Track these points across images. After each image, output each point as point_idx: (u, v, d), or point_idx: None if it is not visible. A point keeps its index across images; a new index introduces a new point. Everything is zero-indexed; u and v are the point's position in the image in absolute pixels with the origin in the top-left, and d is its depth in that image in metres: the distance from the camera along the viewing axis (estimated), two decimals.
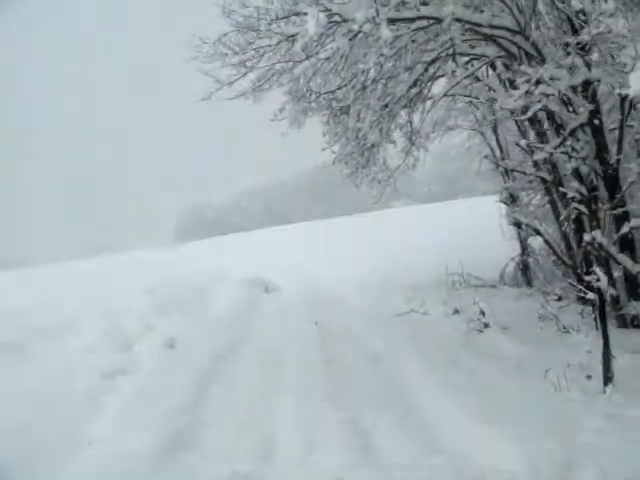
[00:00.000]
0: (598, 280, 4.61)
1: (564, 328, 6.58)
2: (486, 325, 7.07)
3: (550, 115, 6.44)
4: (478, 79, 9.57)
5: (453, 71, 7.21)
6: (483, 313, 7.24)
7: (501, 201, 11.36)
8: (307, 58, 5.84)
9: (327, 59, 5.61)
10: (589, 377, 4.78)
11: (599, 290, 4.73)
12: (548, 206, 10.79)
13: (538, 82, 5.08)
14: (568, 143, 5.91)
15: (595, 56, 4.54)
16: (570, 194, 6.62)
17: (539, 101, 4.91)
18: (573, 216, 7.61)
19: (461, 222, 24.08)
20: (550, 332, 6.62)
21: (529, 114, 5.18)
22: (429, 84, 8.12)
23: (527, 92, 4.86)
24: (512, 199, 11.18)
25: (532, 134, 6.67)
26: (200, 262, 24.57)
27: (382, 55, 5.39)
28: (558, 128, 6.45)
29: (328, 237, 29.15)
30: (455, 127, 11.85)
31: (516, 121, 9.79)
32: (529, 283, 11.30)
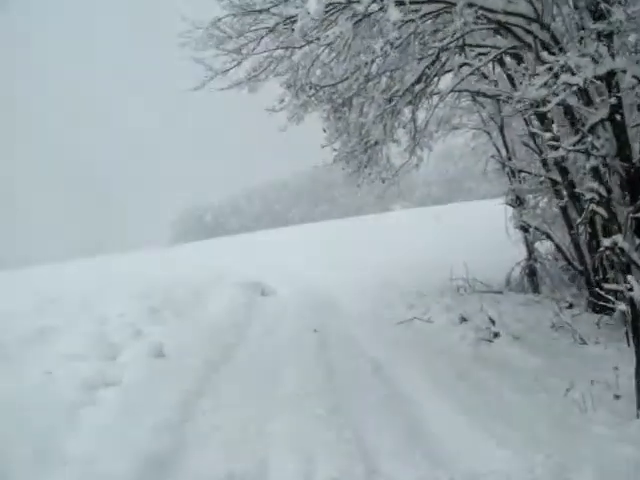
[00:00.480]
0: (630, 289, 4.17)
1: (580, 339, 6.13)
2: (496, 334, 6.63)
3: (567, 110, 6.00)
4: (485, 76, 9.19)
5: (462, 64, 6.80)
6: (493, 322, 6.80)
7: (507, 203, 10.94)
8: (307, 44, 5.40)
9: (329, 45, 5.16)
10: (617, 397, 4.32)
11: (631, 300, 4.29)
12: (555, 209, 10.43)
13: (556, 74, 4.66)
14: (588, 140, 5.46)
15: (632, 37, 4.09)
16: (588, 195, 6.19)
17: (560, 92, 4.47)
18: (581, 220, 7.19)
19: (461, 225, 23.76)
20: (565, 343, 6.17)
21: (551, 105, 4.75)
22: (435, 79, 7.71)
23: (545, 84, 4.43)
24: (519, 201, 10.75)
25: (544, 132, 6.24)
26: (197, 264, 24.27)
27: (388, 42, 4.95)
28: (576, 124, 6.01)
29: (326, 239, 28.81)
30: (460, 126, 11.47)
31: (525, 120, 9.41)
32: (535, 289, 10.87)
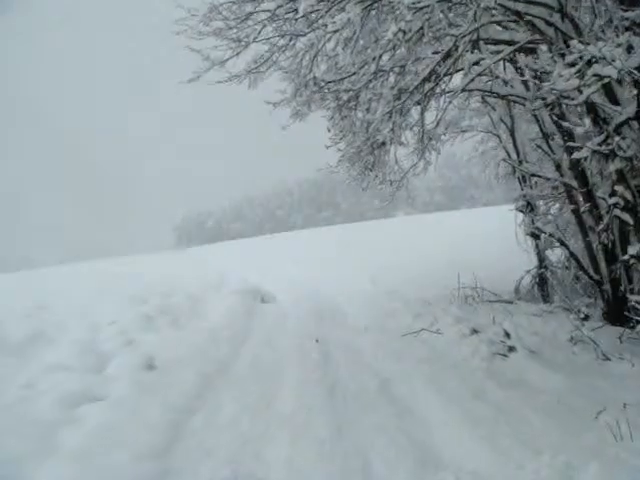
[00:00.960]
0: None
1: (603, 355, 5.68)
2: (511, 348, 6.18)
3: (591, 108, 5.59)
4: (497, 76, 8.79)
5: (478, 60, 6.39)
6: (508, 335, 6.35)
7: (517, 209, 10.52)
8: (312, 31, 4.99)
9: (335, 32, 4.74)
10: None
11: None
12: (566, 215, 10.01)
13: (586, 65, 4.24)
14: (615, 140, 5.05)
15: None
16: (611, 200, 5.77)
17: (590, 84, 4.06)
18: (602, 226, 6.78)
19: (465, 232, 23.35)
20: (587, 359, 5.72)
21: (582, 98, 4.33)
22: (445, 79, 7.32)
23: (576, 73, 4.01)
24: (530, 207, 10.33)
25: (574, 126, 5.79)
26: (197, 269, 23.82)
27: (401, 30, 4.54)
28: (599, 124, 5.59)
29: (329, 245, 28.38)
30: (469, 129, 11.07)
31: (538, 121, 9.01)
32: (546, 298, 10.43)
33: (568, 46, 4.68)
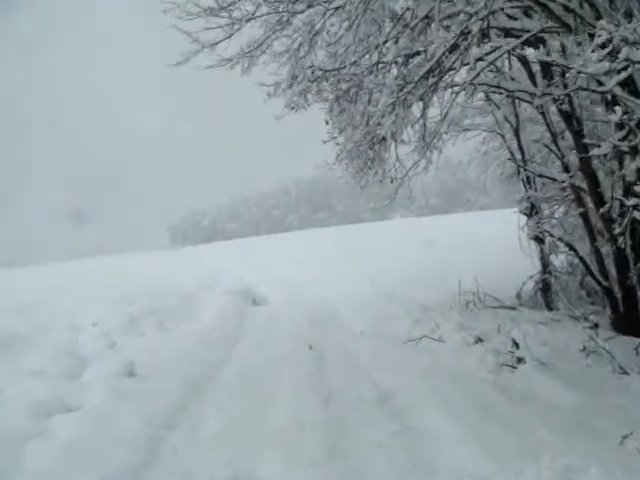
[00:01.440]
0: None
1: (620, 368, 5.27)
2: (519, 360, 5.76)
3: (612, 100, 5.18)
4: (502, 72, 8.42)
5: (490, 51, 5.99)
6: (517, 345, 5.93)
7: (521, 212, 10.11)
8: (310, 7, 4.56)
9: (336, 9, 4.32)
10: None
11: None
12: (572, 219, 9.63)
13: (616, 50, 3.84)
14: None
15: None
16: (630, 202, 5.36)
17: (624, 69, 3.65)
18: (620, 229, 6.38)
19: (463, 235, 22.98)
20: (602, 372, 5.30)
21: (610, 85, 3.92)
22: (450, 72, 6.93)
23: (609, 54, 3.61)
24: (534, 210, 9.93)
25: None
26: (192, 269, 23.34)
27: (407, 9, 4.13)
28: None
29: (325, 247, 27.98)
30: (472, 127, 10.67)
31: (545, 120, 8.63)
32: (549, 305, 10.02)
33: (590, 31, 4.29)
